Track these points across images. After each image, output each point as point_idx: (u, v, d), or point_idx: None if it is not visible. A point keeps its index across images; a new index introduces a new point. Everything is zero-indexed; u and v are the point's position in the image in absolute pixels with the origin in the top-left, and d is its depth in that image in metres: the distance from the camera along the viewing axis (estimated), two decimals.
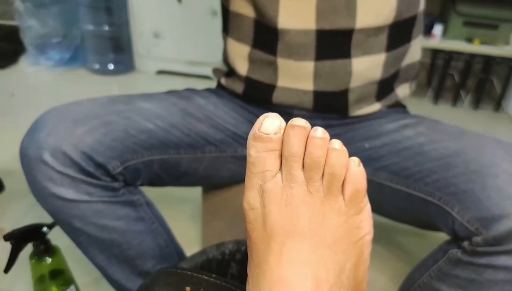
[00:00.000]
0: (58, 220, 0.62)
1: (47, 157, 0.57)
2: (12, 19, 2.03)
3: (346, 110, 0.70)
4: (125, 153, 0.62)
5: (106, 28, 1.92)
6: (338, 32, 0.64)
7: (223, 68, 0.79)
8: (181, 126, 0.68)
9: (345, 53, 0.65)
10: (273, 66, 0.68)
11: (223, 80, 0.77)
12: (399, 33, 0.67)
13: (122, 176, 0.63)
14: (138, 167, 0.64)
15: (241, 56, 0.71)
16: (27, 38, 1.94)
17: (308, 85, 0.67)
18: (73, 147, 0.58)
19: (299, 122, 0.31)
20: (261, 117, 0.32)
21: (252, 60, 0.70)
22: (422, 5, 0.70)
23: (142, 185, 0.68)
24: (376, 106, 0.71)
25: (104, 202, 0.61)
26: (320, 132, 0.31)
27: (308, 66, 0.66)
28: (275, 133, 0.31)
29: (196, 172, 0.72)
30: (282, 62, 0.67)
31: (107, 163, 0.60)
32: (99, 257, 0.66)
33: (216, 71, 0.81)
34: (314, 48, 0.65)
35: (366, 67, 0.67)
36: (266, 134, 0.31)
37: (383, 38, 0.66)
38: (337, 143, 0.32)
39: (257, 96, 0.72)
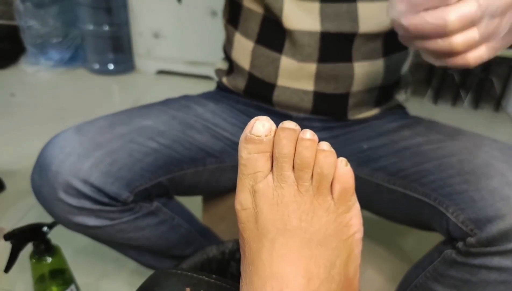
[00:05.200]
0: (86, 236, 0.66)
1: (62, 195, 0.59)
2: (12, 19, 2.03)
3: (345, 113, 0.70)
4: (133, 180, 0.63)
5: (106, 28, 1.93)
6: (342, 35, 0.64)
7: (225, 66, 0.79)
8: (182, 141, 0.69)
9: (347, 56, 0.66)
10: (275, 64, 0.68)
11: (225, 80, 0.78)
12: (395, 39, 0.68)
13: (134, 199, 0.65)
14: (147, 188, 0.66)
15: (245, 51, 0.72)
16: (27, 38, 1.94)
17: (308, 85, 0.68)
18: (83, 182, 0.59)
19: (289, 125, 0.32)
20: (252, 120, 0.33)
21: (255, 56, 0.70)
22: None
23: (152, 200, 0.70)
24: (375, 111, 0.72)
25: (125, 222, 0.64)
26: (309, 134, 0.32)
27: (311, 67, 0.66)
28: (266, 136, 0.32)
29: (198, 184, 0.74)
30: (285, 61, 0.67)
31: (118, 196, 0.62)
32: (130, 252, 0.71)
33: (218, 71, 0.81)
34: (318, 50, 0.65)
35: (367, 71, 0.67)
36: (257, 136, 0.32)
37: (379, 44, 0.66)
38: (325, 145, 0.33)
39: (258, 94, 0.73)
